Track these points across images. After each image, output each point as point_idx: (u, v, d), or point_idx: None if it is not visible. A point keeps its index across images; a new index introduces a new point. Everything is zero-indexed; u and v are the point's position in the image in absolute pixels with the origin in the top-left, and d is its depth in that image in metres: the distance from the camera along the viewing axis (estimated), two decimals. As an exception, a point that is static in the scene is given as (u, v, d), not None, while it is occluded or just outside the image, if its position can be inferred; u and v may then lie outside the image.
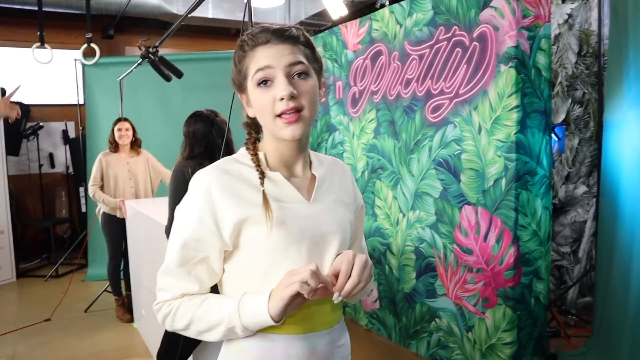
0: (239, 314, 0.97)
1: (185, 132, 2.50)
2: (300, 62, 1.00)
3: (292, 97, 0.97)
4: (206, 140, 2.44)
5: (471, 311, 2.74)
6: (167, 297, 1.05)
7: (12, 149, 5.83)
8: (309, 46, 1.06)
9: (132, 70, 4.02)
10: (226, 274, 1.06)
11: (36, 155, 6.07)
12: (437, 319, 2.96)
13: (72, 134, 6.38)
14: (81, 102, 5.86)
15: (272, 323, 0.95)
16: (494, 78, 2.53)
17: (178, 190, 2.29)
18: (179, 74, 3.50)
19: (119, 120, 4.02)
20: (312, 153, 1.16)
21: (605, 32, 3.50)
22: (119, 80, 4.46)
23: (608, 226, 2.80)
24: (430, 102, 2.90)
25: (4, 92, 5.21)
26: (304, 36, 1.05)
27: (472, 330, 2.74)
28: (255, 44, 1.01)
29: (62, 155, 6.36)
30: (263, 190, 1.01)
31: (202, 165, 1.93)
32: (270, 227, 0.98)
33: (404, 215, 3.15)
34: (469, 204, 2.70)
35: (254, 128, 1.11)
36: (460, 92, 2.72)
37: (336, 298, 0.94)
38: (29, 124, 5.92)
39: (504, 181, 2.51)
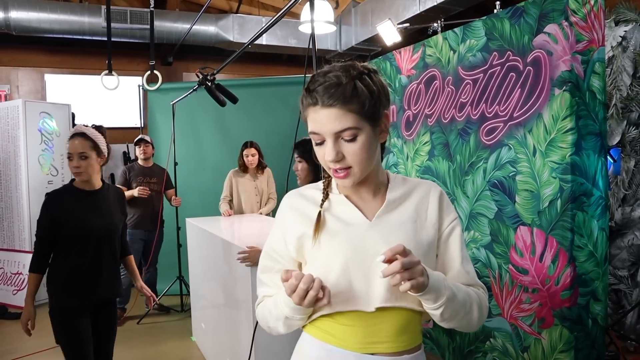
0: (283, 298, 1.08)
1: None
2: (348, 129, 0.99)
3: (338, 160, 1.02)
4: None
5: (527, 331, 2.76)
6: (258, 299, 1.23)
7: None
8: (364, 96, 1.00)
9: (186, 95, 4.24)
10: None
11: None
12: (491, 339, 2.98)
13: (132, 155, 6.70)
14: (142, 125, 6.17)
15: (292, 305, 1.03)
16: (549, 101, 2.58)
17: None
18: (234, 100, 3.65)
19: (245, 145, 4.38)
20: (397, 177, 1.18)
21: (661, 55, 3.49)
22: (171, 104, 4.69)
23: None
24: (484, 125, 2.97)
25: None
26: (358, 88, 1.00)
27: (528, 351, 2.75)
28: (308, 103, 1.03)
29: (123, 176, 6.68)
30: (320, 209, 1.11)
31: None
32: (316, 240, 1.08)
33: (457, 236, 3.18)
34: (524, 224, 2.74)
35: None
36: (515, 115, 2.78)
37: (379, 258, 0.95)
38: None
39: (559, 202, 2.55)
